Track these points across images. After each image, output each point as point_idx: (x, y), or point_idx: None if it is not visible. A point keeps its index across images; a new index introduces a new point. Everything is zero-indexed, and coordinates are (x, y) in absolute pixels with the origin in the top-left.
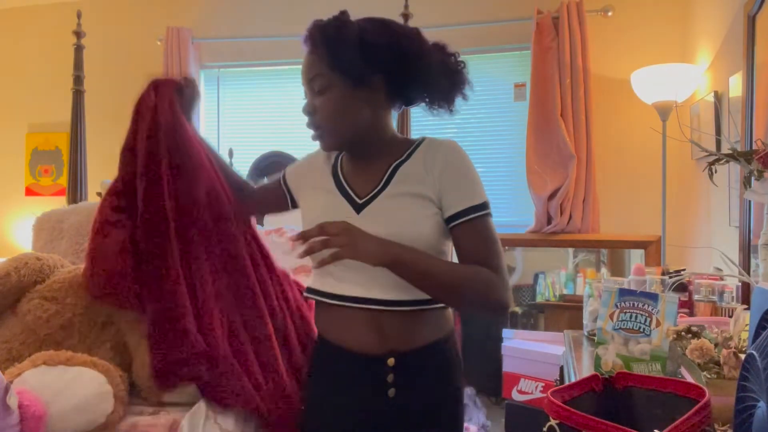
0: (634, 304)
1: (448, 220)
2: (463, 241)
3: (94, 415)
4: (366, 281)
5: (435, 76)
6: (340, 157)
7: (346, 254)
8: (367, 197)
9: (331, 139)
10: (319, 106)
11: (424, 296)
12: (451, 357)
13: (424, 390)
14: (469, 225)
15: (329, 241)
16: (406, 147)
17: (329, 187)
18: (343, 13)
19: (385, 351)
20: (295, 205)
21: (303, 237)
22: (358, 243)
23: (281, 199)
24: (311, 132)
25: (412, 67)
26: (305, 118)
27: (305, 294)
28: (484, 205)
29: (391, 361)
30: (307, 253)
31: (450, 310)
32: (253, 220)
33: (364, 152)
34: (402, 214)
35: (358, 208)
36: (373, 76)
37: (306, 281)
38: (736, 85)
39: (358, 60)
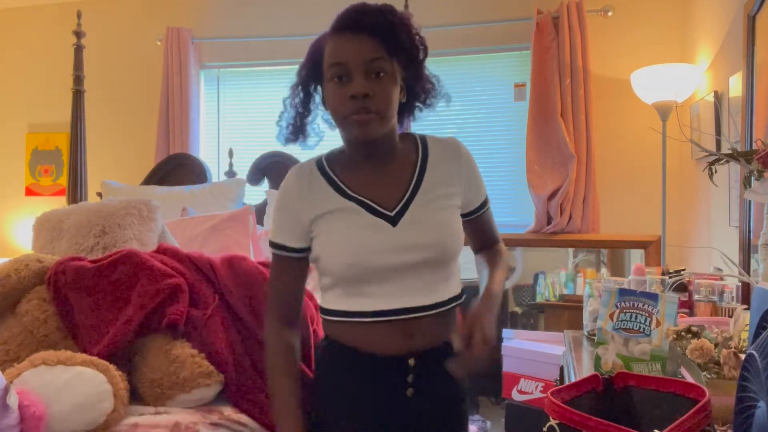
0: (634, 304)
1: (471, 212)
2: (482, 227)
3: (94, 414)
4: (398, 292)
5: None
6: (331, 173)
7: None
8: (398, 208)
9: (382, 127)
10: (378, 90)
11: (452, 294)
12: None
13: (439, 387)
14: (485, 214)
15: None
16: (413, 147)
17: (345, 206)
18: (393, 6)
19: (406, 352)
20: None
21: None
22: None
23: (307, 261)
24: (357, 115)
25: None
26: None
27: (324, 316)
28: (487, 197)
29: (411, 362)
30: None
31: None
32: (253, 221)
33: (382, 151)
34: (438, 222)
35: (392, 221)
36: (422, 68)
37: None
38: (736, 85)
39: (416, 51)
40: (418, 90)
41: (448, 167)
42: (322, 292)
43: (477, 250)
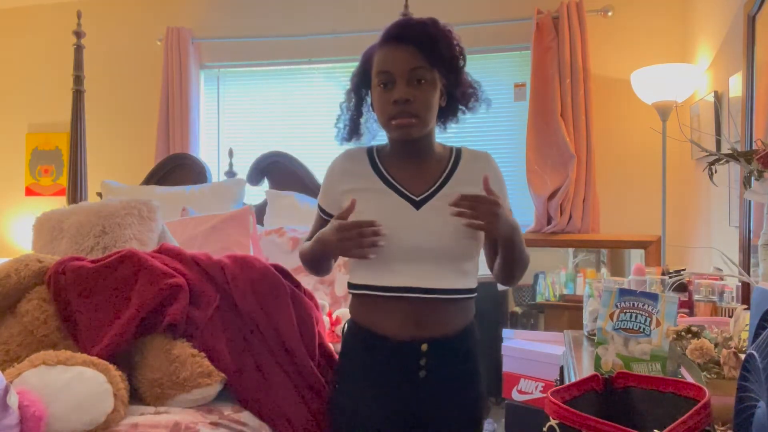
0: (634, 304)
1: None
2: None
3: (94, 414)
4: (415, 272)
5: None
6: (377, 159)
7: (490, 228)
8: (424, 195)
9: (422, 129)
10: (419, 96)
11: (466, 286)
12: (476, 341)
13: (452, 371)
14: None
15: (479, 212)
16: (448, 153)
17: (378, 186)
18: (436, 19)
19: (419, 338)
20: None
21: (464, 199)
22: (501, 221)
23: None
24: (398, 119)
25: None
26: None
27: (350, 291)
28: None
29: (424, 347)
30: (458, 215)
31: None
32: (253, 221)
33: (421, 150)
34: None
35: (417, 205)
36: (461, 75)
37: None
38: (736, 85)
39: (455, 61)
40: (458, 95)
41: (479, 171)
42: (351, 270)
43: (492, 266)
